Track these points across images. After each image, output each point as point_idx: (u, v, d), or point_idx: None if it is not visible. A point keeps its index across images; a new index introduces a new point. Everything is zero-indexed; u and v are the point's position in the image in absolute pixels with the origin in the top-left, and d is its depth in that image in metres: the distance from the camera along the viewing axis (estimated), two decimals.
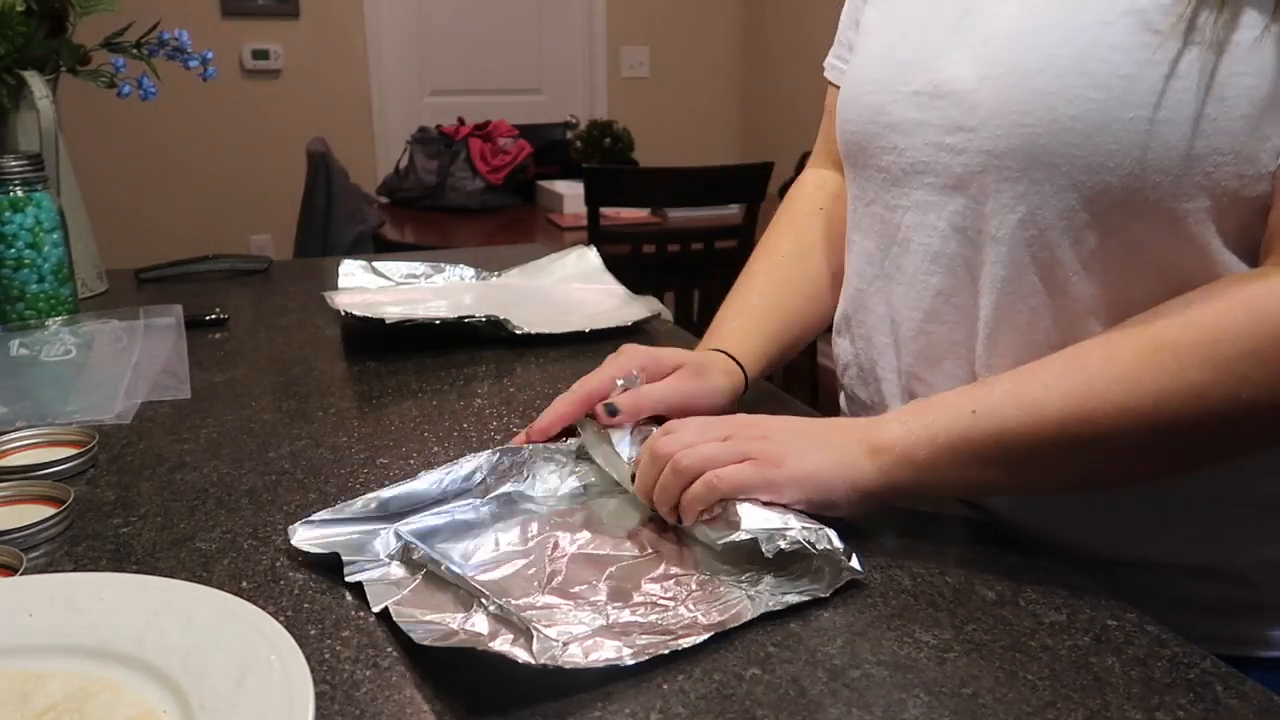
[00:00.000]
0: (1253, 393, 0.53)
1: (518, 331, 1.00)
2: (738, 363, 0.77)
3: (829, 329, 0.85)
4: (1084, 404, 0.55)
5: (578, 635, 0.50)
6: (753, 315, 0.82)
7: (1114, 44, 0.57)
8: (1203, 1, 0.55)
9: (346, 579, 0.56)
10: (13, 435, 0.74)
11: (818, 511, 0.59)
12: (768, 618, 0.53)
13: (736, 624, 0.52)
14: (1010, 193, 0.62)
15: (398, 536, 0.58)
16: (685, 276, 2.41)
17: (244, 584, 0.57)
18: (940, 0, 0.69)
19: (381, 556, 0.57)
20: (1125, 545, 0.67)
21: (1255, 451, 0.59)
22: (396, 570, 0.56)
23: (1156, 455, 0.57)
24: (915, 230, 0.70)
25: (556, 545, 0.60)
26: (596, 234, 2.25)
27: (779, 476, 0.58)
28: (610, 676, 0.48)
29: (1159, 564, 0.67)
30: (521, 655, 0.47)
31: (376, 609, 0.53)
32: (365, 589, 0.55)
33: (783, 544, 0.55)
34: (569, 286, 1.19)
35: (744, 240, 2.35)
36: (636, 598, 0.55)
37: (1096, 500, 0.66)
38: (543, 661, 0.47)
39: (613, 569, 0.57)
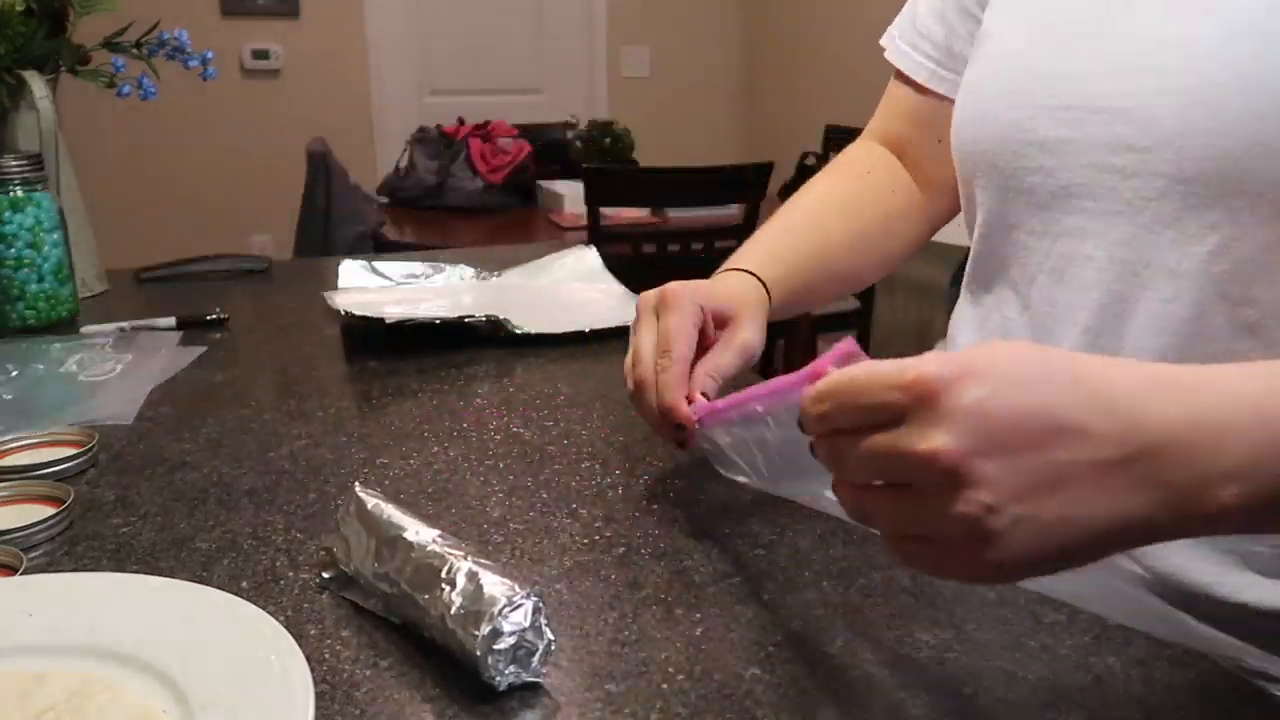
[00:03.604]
0: None
1: (518, 331, 1.00)
2: (764, 286, 0.71)
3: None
4: None
5: None
6: (788, 234, 0.76)
7: None
8: None
9: None
10: (13, 435, 0.74)
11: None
12: (767, 618, 0.53)
13: None
14: (1199, 222, 0.55)
15: None
16: (685, 276, 2.40)
17: (244, 584, 0.57)
18: (1072, 2, 0.62)
19: None
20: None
21: None
22: None
23: None
24: (1067, 260, 0.62)
25: None
26: (596, 234, 2.25)
27: (986, 577, 0.43)
28: (611, 676, 0.48)
29: None
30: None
31: None
32: None
33: None
34: (569, 286, 1.19)
35: (744, 240, 2.35)
36: None
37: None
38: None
39: None
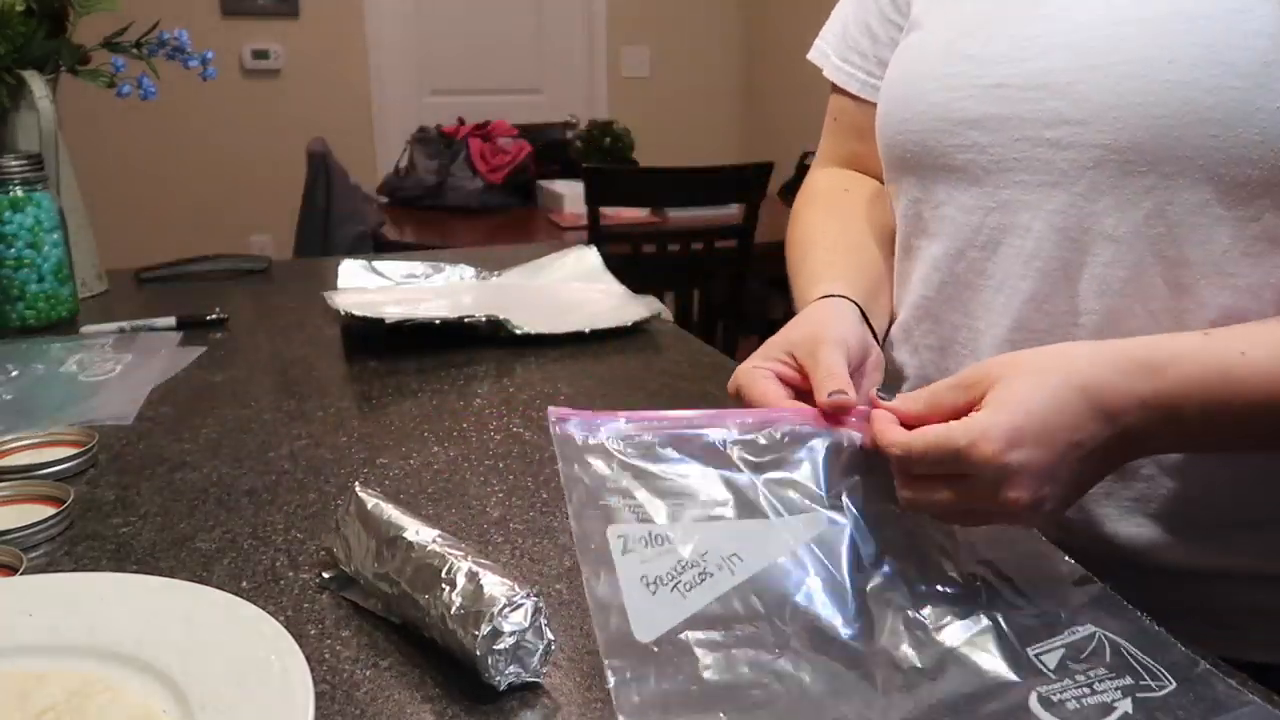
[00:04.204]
0: None
1: (518, 331, 1.00)
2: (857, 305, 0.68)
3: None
4: None
5: None
6: (846, 261, 0.75)
7: (1253, 30, 0.55)
8: None
9: None
10: (13, 435, 0.74)
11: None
12: None
13: None
14: (1133, 187, 0.59)
15: None
16: (685, 276, 2.41)
17: (244, 584, 0.57)
18: None
19: None
20: (1209, 554, 0.64)
21: None
22: None
23: None
24: (1003, 232, 0.65)
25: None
26: (596, 234, 2.25)
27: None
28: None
29: (1238, 574, 0.64)
30: None
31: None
32: None
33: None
34: (569, 286, 1.19)
35: (744, 240, 2.35)
36: None
37: (1183, 511, 0.64)
38: None
39: None
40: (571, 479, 0.51)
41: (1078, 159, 0.61)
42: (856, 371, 0.60)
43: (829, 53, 0.84)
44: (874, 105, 0.78)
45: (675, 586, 0.48)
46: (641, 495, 0.51)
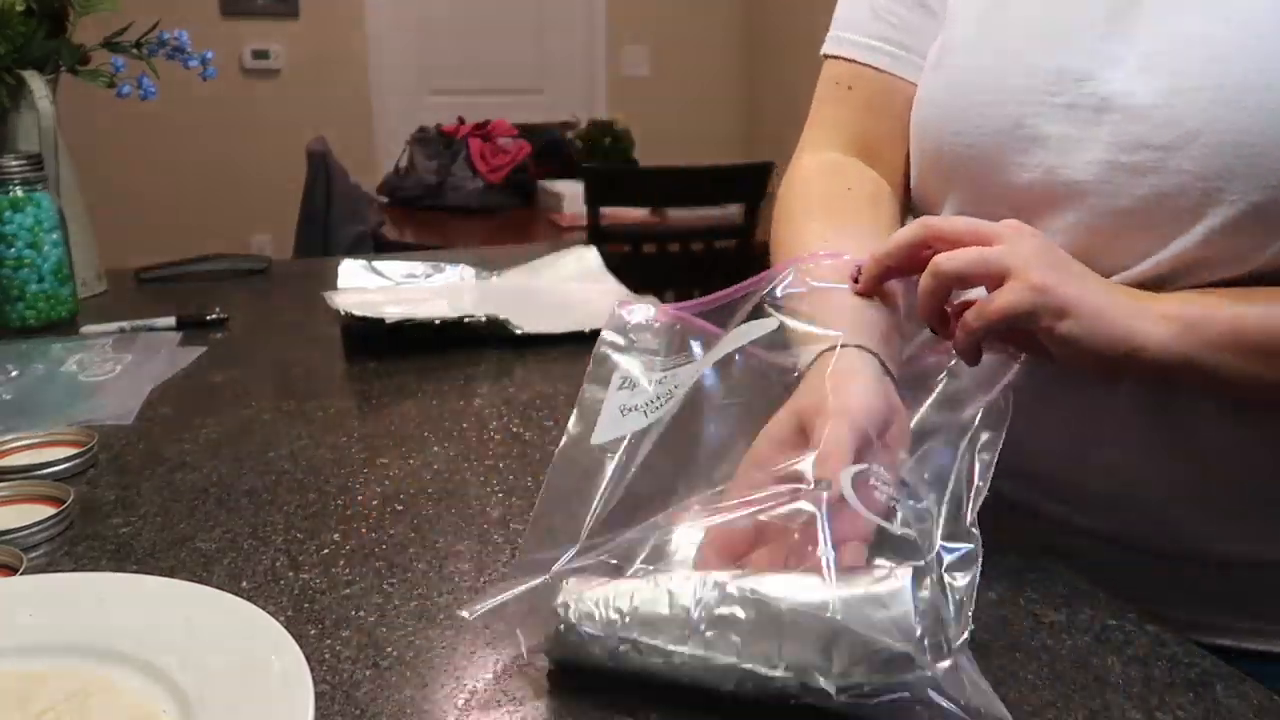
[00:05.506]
0: None
1: (518, 331, 1.00)
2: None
3: None
4: None
5: None
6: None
7: None
8: None
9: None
10: (13, 435, 0.74)
11: (1078, 359, 0.54)
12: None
13: None
14: (1217, 215, 0.57)
15: None
16: (685, 276, 2.42)
17: (244, 584, 0.57)
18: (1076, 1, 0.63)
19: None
20: (1247, 542, 0.65)
21: None
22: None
23: None
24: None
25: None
26: (596, 234, 2.25)
27: (1060, 301, 0.52)
28: (609, 675, 0.48)
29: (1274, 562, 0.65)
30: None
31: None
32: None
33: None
34: (569, 286, 1.19)
35: (744, 240, 2.36)
36: None
37: (1225, 498, 0.64)
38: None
39: None
40: (603, 342, 0.58)
41: (1159, 185, 0.59)
42: (878, 443, 0.51)
43: (853, 38, 0.77)
44: (897, 78, 0.74)
45: (646, 411, 0.55)
46: (661, 355, 0.58)
